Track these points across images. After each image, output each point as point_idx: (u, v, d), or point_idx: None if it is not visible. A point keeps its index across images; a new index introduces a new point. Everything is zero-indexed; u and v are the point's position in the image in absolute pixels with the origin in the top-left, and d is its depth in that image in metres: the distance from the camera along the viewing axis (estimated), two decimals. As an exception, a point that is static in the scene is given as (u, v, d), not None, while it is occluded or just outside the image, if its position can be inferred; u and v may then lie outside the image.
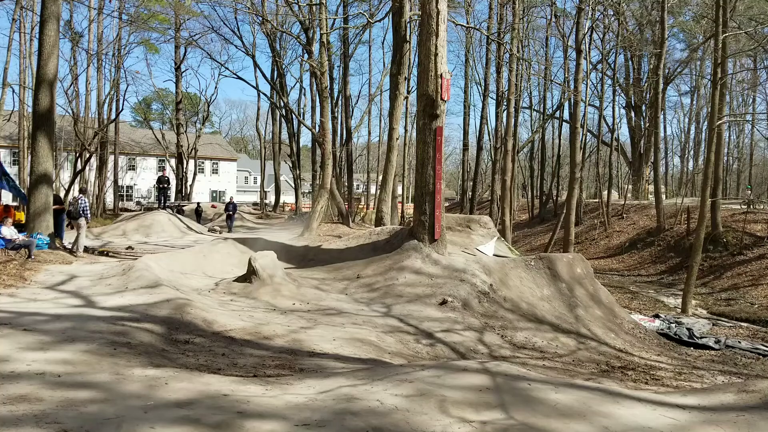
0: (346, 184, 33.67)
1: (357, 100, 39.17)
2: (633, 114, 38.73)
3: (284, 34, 30.97)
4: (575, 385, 4.65)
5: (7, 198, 15.42)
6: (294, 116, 35.16)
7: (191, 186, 41.79)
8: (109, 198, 35.91)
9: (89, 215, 12.09)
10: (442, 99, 10.35)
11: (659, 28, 29.61)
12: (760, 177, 52.08)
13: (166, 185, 25.33)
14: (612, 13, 29.12)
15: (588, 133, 34.25)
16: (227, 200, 27.99)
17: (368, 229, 15.74)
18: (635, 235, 27.34)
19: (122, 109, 35.41)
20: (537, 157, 43.30)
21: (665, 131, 53.70)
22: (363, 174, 53.98)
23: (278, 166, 42.22)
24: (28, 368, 4.25)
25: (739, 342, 11.08)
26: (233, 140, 77.87)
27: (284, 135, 40.50)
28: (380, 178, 25.47)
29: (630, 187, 37.34)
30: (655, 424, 3.63)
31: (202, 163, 49.93)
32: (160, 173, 26.81)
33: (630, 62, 38.44)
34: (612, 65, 33.66)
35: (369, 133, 56.31)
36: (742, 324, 14.03)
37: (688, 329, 11.51)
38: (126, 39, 31.38)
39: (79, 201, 12.20)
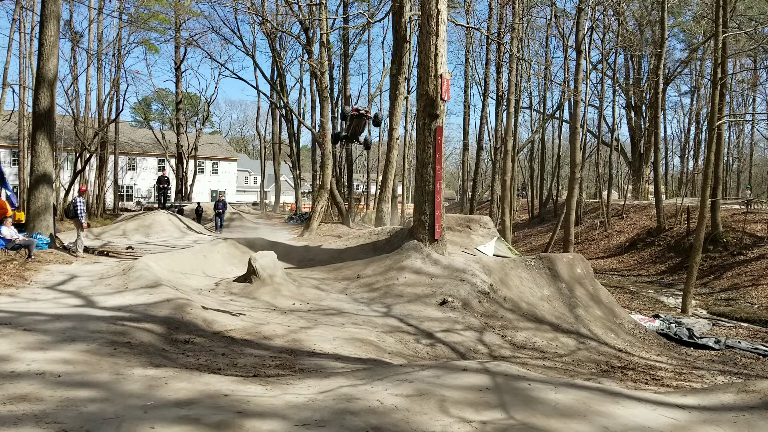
0: (346, 184, 33.67)
1: (357, 100, 39.16)
2: (633, 114, 38.71)
3: (284, 34, 30.99)
4: (575, 385, 4.65)
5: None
6: (294, 116, 35.19)
7: (191, 186, 41.80)
8: (109, 198, 35.91)
9: (83, 217, 12.12)
10: (442, 99, 10.35)
11: (659, 28, 29.59)
12: (760, 177, 52.00)
13: (166, 185, 25.36)
14: (612, 13, 29.10)
15: (588, 133, 34.24)
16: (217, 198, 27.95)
17: (368, 229, 15.75)
18: (635, 235, 27.34)
19: (122, 109, 35.50)
20: (537, 157, 43.29)
21: (665, 131, 53.71)
22: (363, 174, 53.96)
23: (278, 166, 42.24)
24: (28, 368, 4.25)
25: (739, 342, 11.07)
26: (233, 140, 77.87)
27: (284, 135, 40.53)
28: (380, 178, 25.49)
29: (630, 187, 37.32)
30: (655, 424, 3.63)
31: (202, 163, 49.94)
32: (160, 173, 26.84)
33: (630, 62, 38.42)
34: (612, 65, 33.65)
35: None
36: (742, 324, 14.02)
37: (688, 329, 11.50)
38: (126, 39, 31.46)
39: (75, 201, 12.23)
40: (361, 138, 11.99)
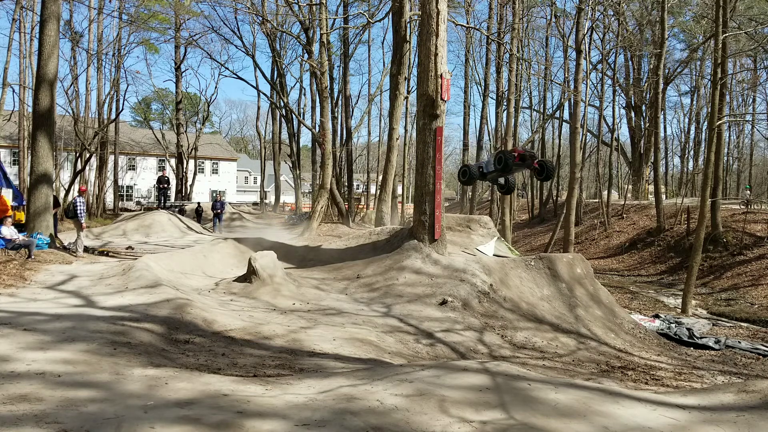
0: (346, 184, 33.67)
1: (357, 100, 39.18)
2: (633, 114, 38.71)
3: (284, 34, 30.98)
4: (575, 385, 4.65)
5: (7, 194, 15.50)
6: (294, 116, 35.17)
7: (191, 186, 41.79)
8: (109, 198, 35.90)
9: (83, 217, 12.15)
10: (442, 99, 10.35)
11: (659, 28, 29.59)
12: (760, 177, 51.97)
13: (166, 185, 25.39)
14: (612, 13, 29.11)
15: (588, 133, 34.25)
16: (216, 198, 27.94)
17: (368, 229, 15.76)
18: (635, 235, 27.34)
19: (122, 109, 35.46)
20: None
21: (665, 131, 53.68)
22: (363, 174, 53.94)
23: (278, 166, 42.21)
24: (28, 368, 4.25)
25: (739, 342, 11.07)
26: (233, 140, 77.86)
27: (284, 135, 40.48)
28: (380, 178, 25.50)
29: (630, 187, 37.32)
30: (655, 424, 3.63)
31: (202, 163, 49.94)
32: (160, 173, 26.84)
33: (630, 62, 38.43)
34: (612, 65, 33.65)
35: (369, 133, 56.36)
36: (742, 324, 14.02)
37: (688, 329, 11.50)
38: (126, 39, 31.42)
39: (75, 201, 12.24)
40: (502, 180, 8.98)
